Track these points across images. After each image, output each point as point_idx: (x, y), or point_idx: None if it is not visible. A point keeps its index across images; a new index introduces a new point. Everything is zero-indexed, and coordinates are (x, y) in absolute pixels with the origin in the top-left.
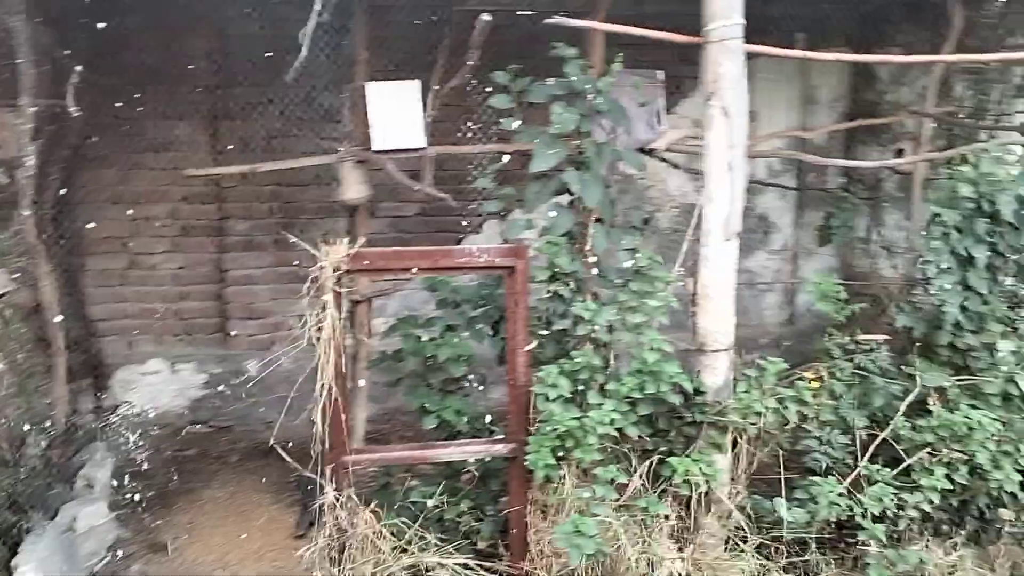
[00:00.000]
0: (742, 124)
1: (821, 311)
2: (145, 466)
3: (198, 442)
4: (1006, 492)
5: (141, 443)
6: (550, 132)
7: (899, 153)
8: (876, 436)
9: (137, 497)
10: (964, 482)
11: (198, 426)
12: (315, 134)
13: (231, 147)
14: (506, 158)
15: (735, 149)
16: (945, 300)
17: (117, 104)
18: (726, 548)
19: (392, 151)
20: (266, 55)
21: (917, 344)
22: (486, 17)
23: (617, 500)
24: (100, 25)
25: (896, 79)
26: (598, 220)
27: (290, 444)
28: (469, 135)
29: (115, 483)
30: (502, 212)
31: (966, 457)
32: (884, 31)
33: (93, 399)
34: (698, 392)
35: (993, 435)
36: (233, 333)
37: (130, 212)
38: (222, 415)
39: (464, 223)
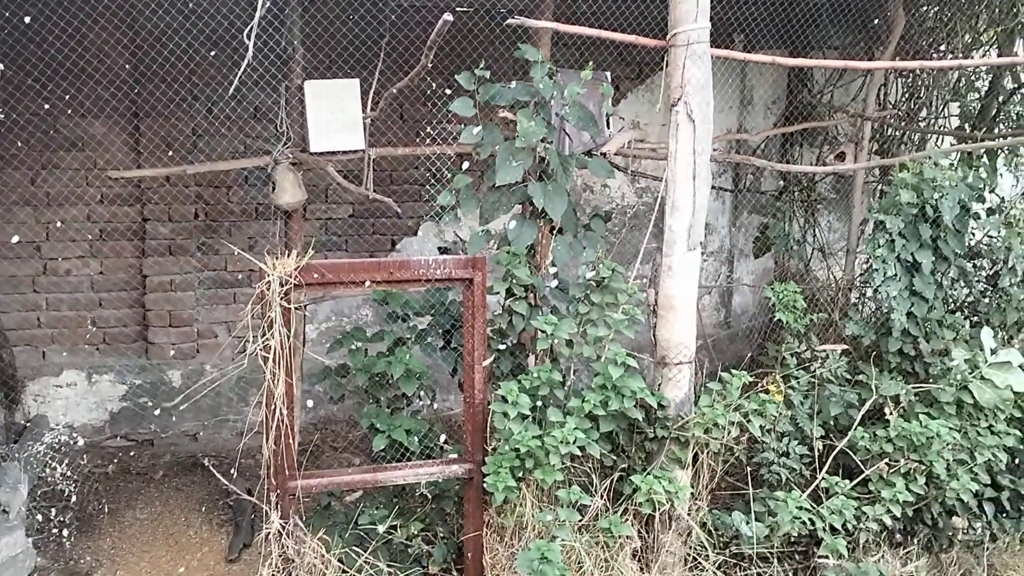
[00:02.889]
0: (707, 131)
1: (757, 313)
2: (63, 486)
3: (119, 458)
4: (959, 500)
5: (58, 461)
6: (515, 144)
7: (840, 156)
8: (832, 446)
9: (55, 521)
10: (920, 492)
11: (118, 440)
12: (245, 133)
13: (153, 146)
14: (465, 165)
15: (700, 156)
16: (893, 307)
17: (26, 100)
18: (687, 566)
19: (331, 152)
20: (189, 49)
21: (868, 352)
22: (448, 17)
23: (579, 521)
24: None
25: (832, 81)
26: (559, 231)
27: (217, 458)
28: (402, 134)
29: (31, 505)
30: (435, 214)
31: (923, 467)
32: (821, 33)
33: (4, 414)
34: (660, 406)
35: (949, 445)
36: (154, 341)
37: (42, 214)
38: (144, 428)
39: (400, 225)
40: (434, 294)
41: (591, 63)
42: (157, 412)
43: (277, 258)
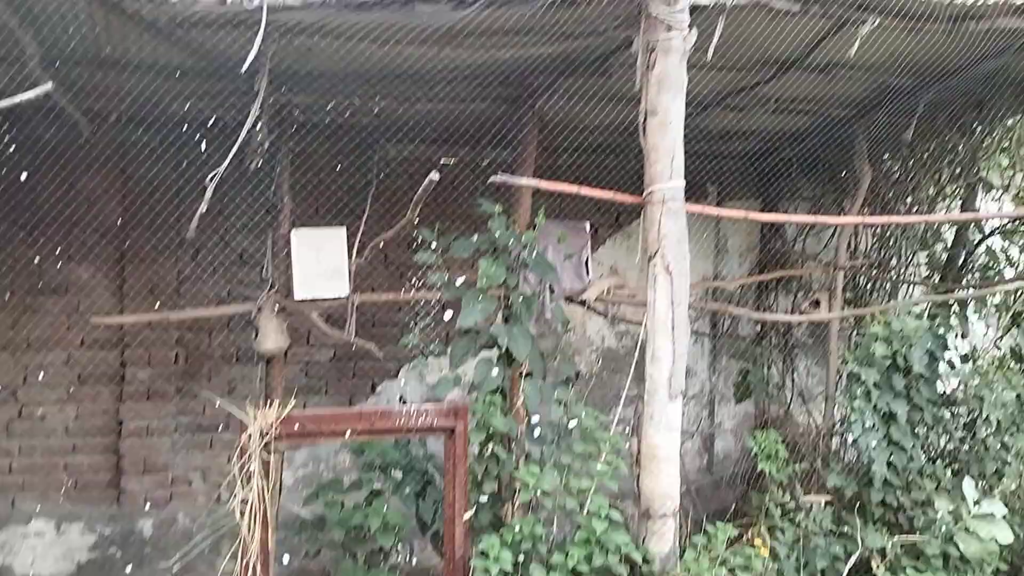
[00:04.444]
0: (685, 283)
1: (740, 458)
2: None
3: None
4: None
5: None
6: (477, 287)
7: (815, 303)
8: None
9: None
10: None
11: None
12: (228, 279)
13: (137, 291)
14: (448, 313)
15: (678, 307)
16: (872, 458)
17: (15, 250)
18: None
19: (315, 299)
20: (176, 197)
21: (852, 502)
22: (434, 176)
23: None
24: None
25: (803, 231)
26: (528, 375)
27: None
28: (386, 279)
29: None
30: (412, 359)
31: None
32: (792, 185)
33: None
34: (645, 561)
35: None
36: (127, 489)
37: (21, 359)
38: None
39: (381, 368)
40: (401, 445)
41: (543, 210)
42: (135, 561)
43: (258, 407)
